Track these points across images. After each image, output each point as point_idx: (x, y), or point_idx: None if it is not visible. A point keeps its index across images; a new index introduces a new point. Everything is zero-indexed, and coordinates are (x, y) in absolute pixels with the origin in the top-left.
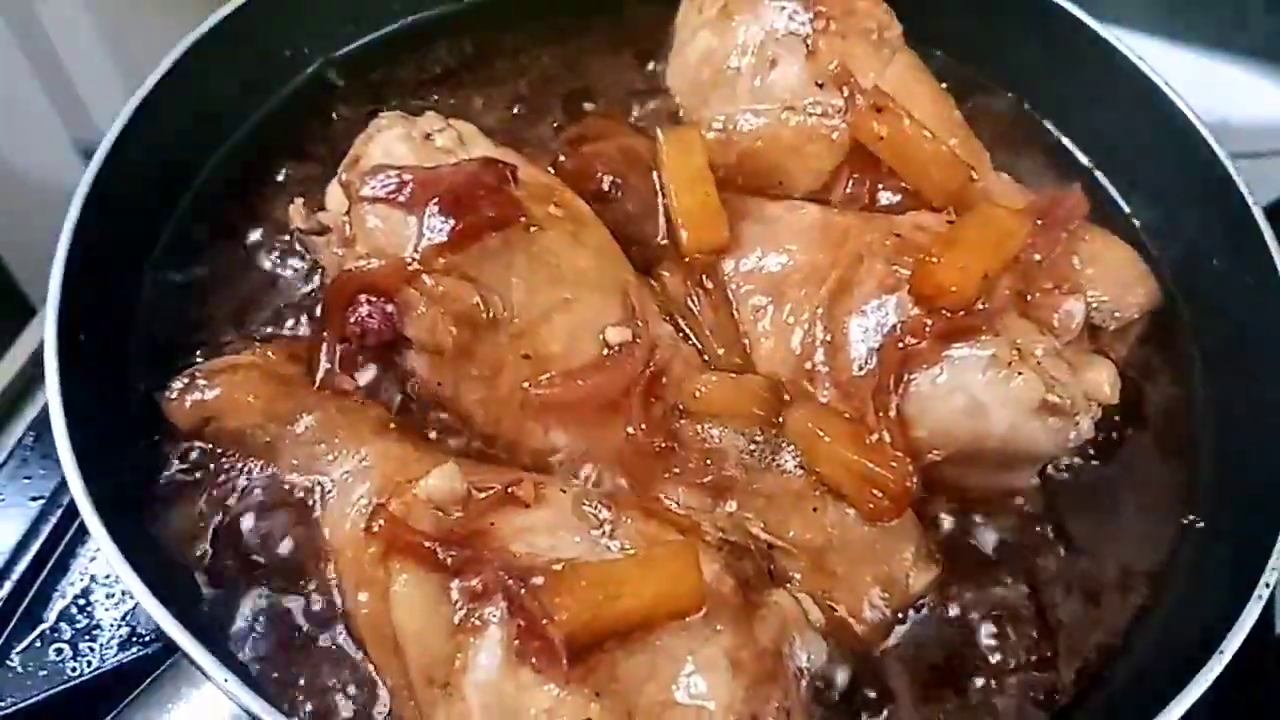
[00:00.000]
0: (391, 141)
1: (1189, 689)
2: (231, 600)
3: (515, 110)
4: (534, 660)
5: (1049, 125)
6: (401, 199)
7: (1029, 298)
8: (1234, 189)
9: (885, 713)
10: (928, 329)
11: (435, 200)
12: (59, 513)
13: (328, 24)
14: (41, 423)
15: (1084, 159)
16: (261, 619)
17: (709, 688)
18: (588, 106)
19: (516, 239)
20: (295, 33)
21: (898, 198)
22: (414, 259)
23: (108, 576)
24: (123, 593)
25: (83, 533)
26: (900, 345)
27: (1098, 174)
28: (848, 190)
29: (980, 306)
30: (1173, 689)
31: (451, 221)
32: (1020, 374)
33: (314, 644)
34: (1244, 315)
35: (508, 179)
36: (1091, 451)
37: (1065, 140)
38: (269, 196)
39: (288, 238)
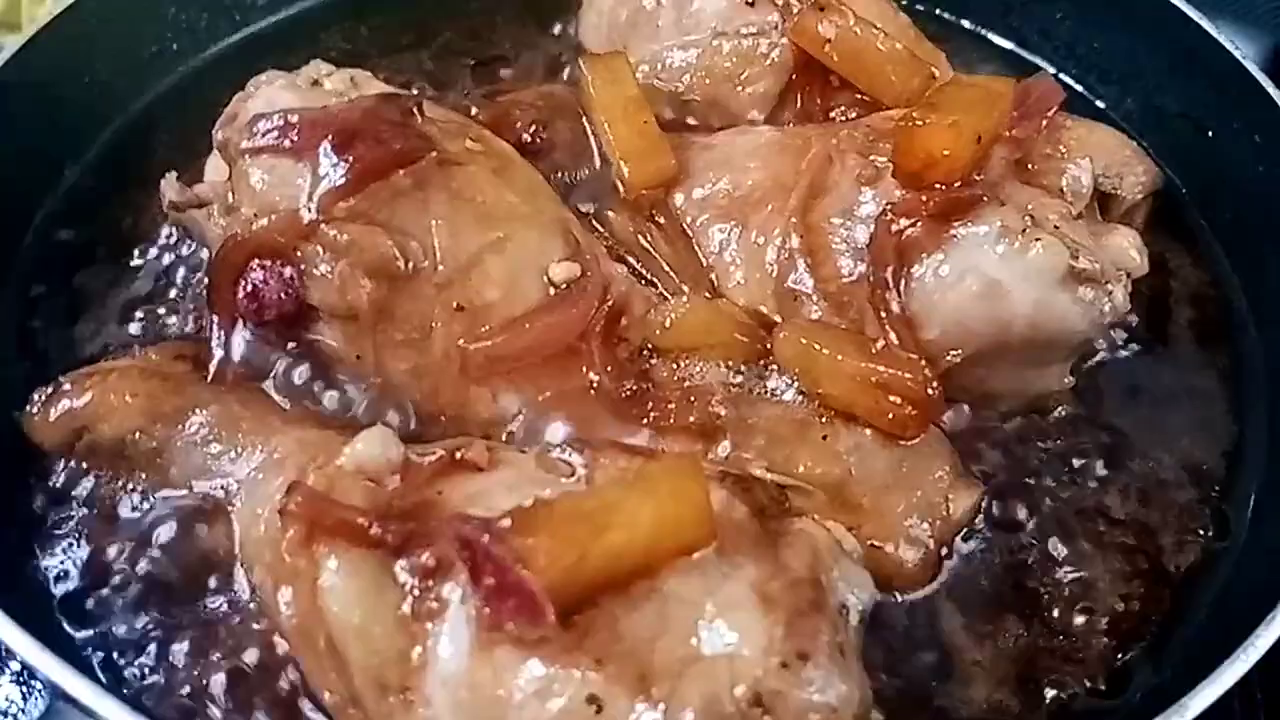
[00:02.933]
0: (274, 92)
1: None
2: (139, 643)
3: (420, 84)
4: (512, 624)
5: (993, 37)
6: (288, 143)
7: (1029, 167)
8: (1221, 51)
9: (949, 657)
10: (924, 207)
11: (328, 139)
12: None
13: (194, 19)
14: None
15: (1046, 65)
16: (175, 657)
17: (738, 631)
18: (504, 74)
19: (430, 176)
20: (158, 27)
21: (854, 113)
22: (310, 209)
23: None
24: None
25: None
26: (893, 232)
27: (1061, 76)
28: (797, 111)
29: (977, 178)
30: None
31: (349, 160)
32: (1038, 240)
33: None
34: (1258, 178)
35: (412, 112)
36: (1122, 344)
37: (1017, 49)
38: (144, 194)
39: (165, 235)
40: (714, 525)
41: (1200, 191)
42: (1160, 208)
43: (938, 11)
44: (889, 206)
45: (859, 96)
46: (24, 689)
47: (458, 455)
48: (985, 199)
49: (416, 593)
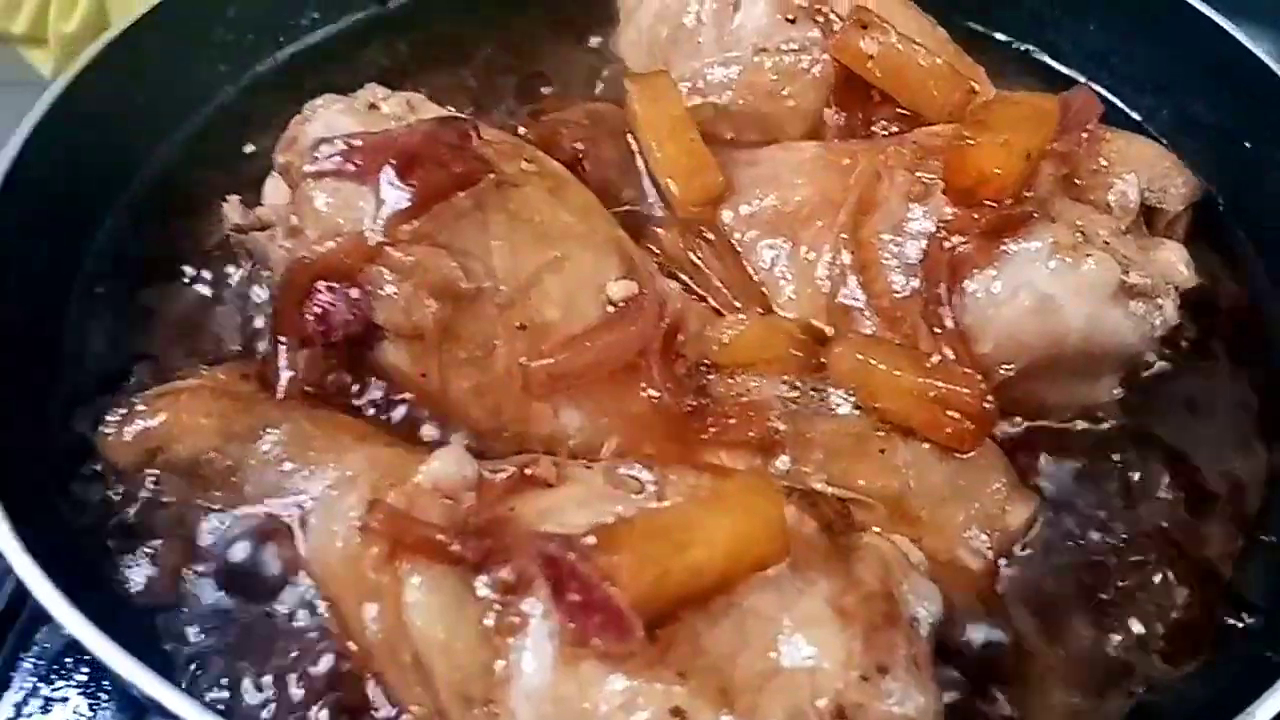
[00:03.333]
0: (333, 116)
1: None
2: (211, 658)
3: (463, 102)
4: (599, 639)
5: (1027, 48)
6: (352, 167)
7: (1076, 181)
8: (1256, 61)
9: (1010, 666)
10: (976, 224)
11: (391, 163)
12: None
13: (240, 40)
14: None
15: (1079, 76)
16: (250, 675)
17: (817, 645)
18: (545, 91)
19: (489, 197)
20: (205, 49)
21: (895, 127)
22: (375, 232)
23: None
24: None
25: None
26: (946, 249)
27: (1095, 87)
28: (840, 127)
29: (1027, 194)
30: None
31: (412, 184)
32: (1090, 256)
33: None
34: None
35: (469, 135)
36: (1165, 357)
37: (1049, 60)
38: (197, 217)
39: (220, 256)
40: (788, 541)
41: (1236, 202)
42: (1196, 219)
43: (970, 24)
44: (941, 224)
45: (900, 111)
46: (91, 701)
47: (527, 472)
48: (1036, 215)
49: (497, 608)
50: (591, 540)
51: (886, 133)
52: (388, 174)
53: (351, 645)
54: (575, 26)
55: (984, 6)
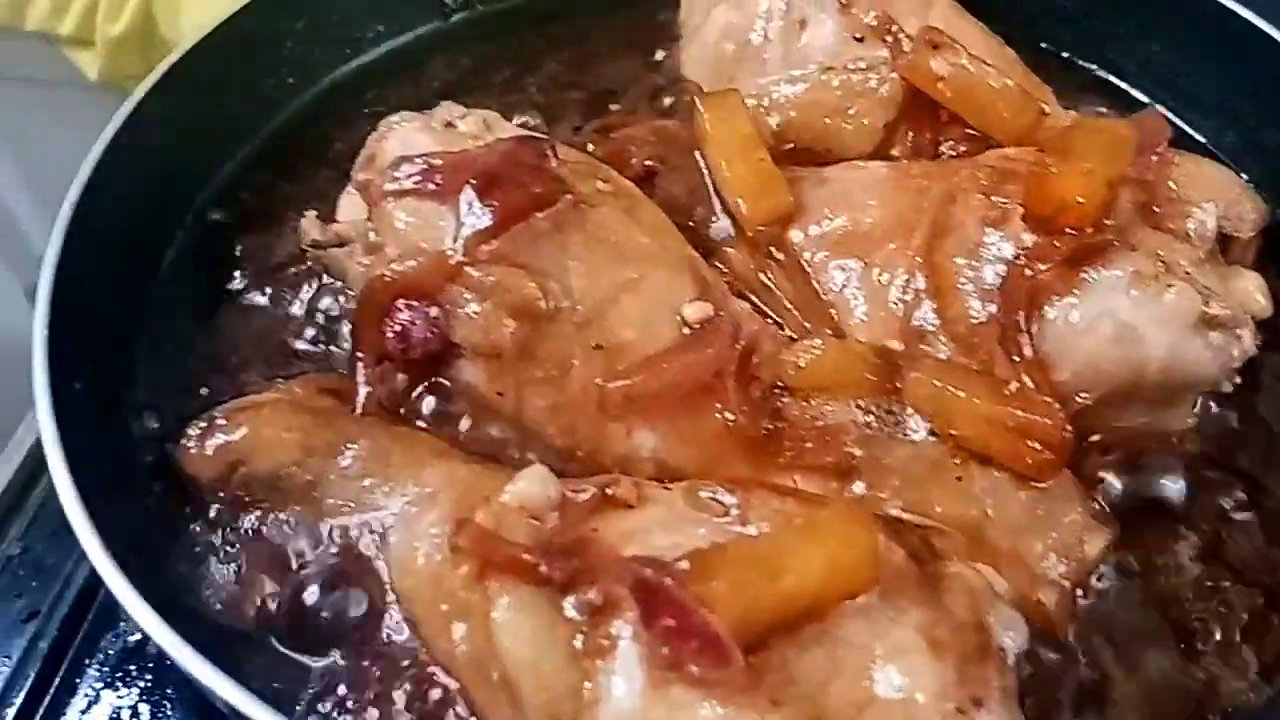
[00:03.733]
0: (410, 134)
1: None
2: (296, 675)
3: (528, 117)
4: (695, 665)
5: (1092, 66)
6: (432, 187)
7: (1155, 209)
8: None
9: (1090, 695)
10: (1056, 252)
11: (470, 183)
12: (57, 630)
13: (307, 54)
14: (30, 532)
15: (1141, 96)
16: (334, 691)
17: (910, 676)
18: (611, 108)
19: (567, 217)
20: (271, 66)
21: (963, 147)
22: (455, 251)
23: (124, 686)
24: (142, 706)
25: (89, 647)
26: (1027, 275)
27: (1159, 108)
28: (906, 146)
29: (1107, 223)
30: None
31: (492, 204)
32: (1171, 286)
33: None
34: None
35: (547, 154)
36: (1239, 384)
37: (1113, 79)
38: (268, 229)
39: (293, 269)
40: (879, 570)
41: None
42: (1264, 245)
43: (1036, 41)
44: (1021, 251)
45: (968, 131)
46: (153, 707)
47: (608, 492)
48: (1116, 244)
49: (585, 629)
50: (685, 565)
51: (954, 153)
52: (468, 194)
53: (436, 662)
54: (637, 41)
55: (1050, 25)
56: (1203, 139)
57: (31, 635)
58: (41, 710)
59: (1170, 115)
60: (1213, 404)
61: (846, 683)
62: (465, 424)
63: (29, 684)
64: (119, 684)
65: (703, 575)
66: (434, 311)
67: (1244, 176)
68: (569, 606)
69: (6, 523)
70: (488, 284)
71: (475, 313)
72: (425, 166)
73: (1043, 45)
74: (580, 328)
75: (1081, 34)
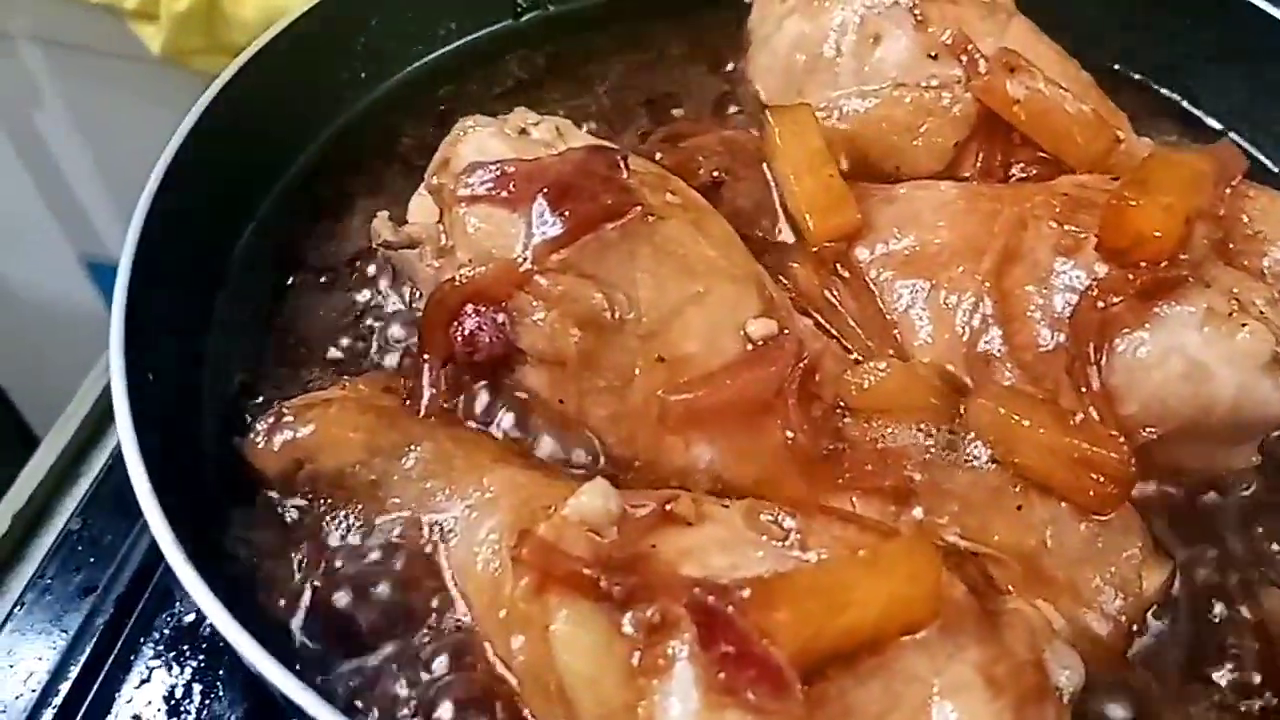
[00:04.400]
0: (484, 139)
1: None
2: (359, 670)
3: (596, 120)
4: (752, 694)
5: (1166, 91)
6: (505, 194)
7: (1230, 245)
8: None
9: None
10: (1130, 285)
11: (543, 192)
12: (114, 606)
13: (381, 48)
14: (89, 507)
15: (1215, 123)
16: (390, 686)
17: (967, 713)
18: (675, 113)
19: (636, 229)
20: (348, 57)
21: (1034, 170)
22: (525, 259)
23: (178, 666)
24: (194, 685)
25: (146, 624)
26: (1099, 307)
27: (1232, 135)
28: (976, 167)
29: (1182, 257)
30: None
31: (563, 213)
32: (1245, 325)
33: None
34: None
35: (619, 165)
36: None
37: (1188, 105)
38: (337, 223)
39: (360, 265)
40: (940, 605)
41: None
42: None
43: (1111, 65)
44: (1094, 282)
45: (1040, 155)
46: (206, 686)
47: (667, 508)
48: (1190, 280)
49: (642, 647)
50: (747, 593)
51: (1025, 175)
52: (540, 203)
53: (492, 663)
54: (707, 48)
55: (1127, 48)
56: (1277, 170)
57: (89, 611)
58: (96, 686)
59: (1245, 145)
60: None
61: (903, 717)
62: (527, 430)
63: (84, 659)
64: (173, 663)
65: (765, 604)
66: (501, 318)
67: None
68: (627, 623)
69: (63, 493)
70: (555, 293)
71: (541, 320)
72: (499, 173)
73: (1116, 67)
74: (644, 339)
75: (1159, 59)
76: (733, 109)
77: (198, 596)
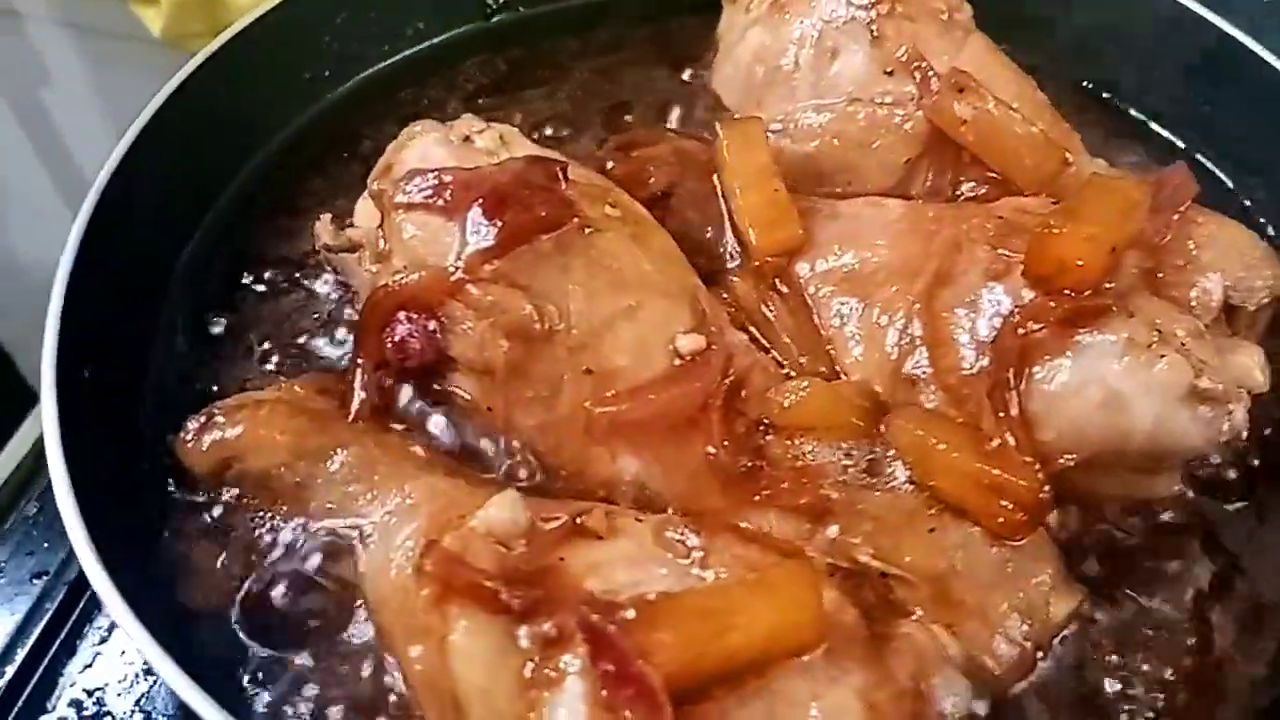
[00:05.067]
0: (428, 146)
1: None
2: (267, 669)
3: (555, 125)
4: (627, 714)
5: (1134, 111)
6: (441, 202)
7: (1159, 276)
8: None
9: None
10: (1051, 312)
11: (479, 202)
12: (64, 591)
13: (346, 47)
14: (46, 493)
15: (1179, 142)
16: (301, 688)
17: None
18: (633, 119)
19: (572, 241)
20: (313, 55)
21: (983, 189)
22: (457, 268)
23: (123, 653)
24: (139, 674)
25: (90, 611)
26: (1020, 333)
27: (1198, 156)
28: (927, 184)
29: (1107, 286)
30: None
31: (498, 224)
32: (1163, 357)
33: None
34: None
35: (558, 177)
36: (1235, 453)
37: (1155, 126)
38: (292, 222)
39: (312, 264)
40: (826, 630)
41: None
42: None
43: (1081, 82)
44: (1018, 307)
45: (990, 174)
46: (150, 674)
47: (579, 521)
48: (1114, 309)
49: (536, 659)
50: (631, 614)
51: (974, 194)
52: (475, 212)
53: (397, 672)
54: (675, 56)
55: (1096, 66)
56: (1234, 188)
57: (38, 595)
58: (41, 669)
59: (1210, 166)
60: (1202, 474)
61: None
62: (458, 437)
63: (31, 642)
64: (118, 651)
65: (649, 624)
66: (432, 325)
67: (1272, 233)
68: (523, 636)
69: (31, 482)
70: (485, 302)
71: (470, 329)
72: (437, 182)
73: (1085, 84)
74: (573, 351)
75: (1127, 78)
76: (696, 113)
77: (100, 589)
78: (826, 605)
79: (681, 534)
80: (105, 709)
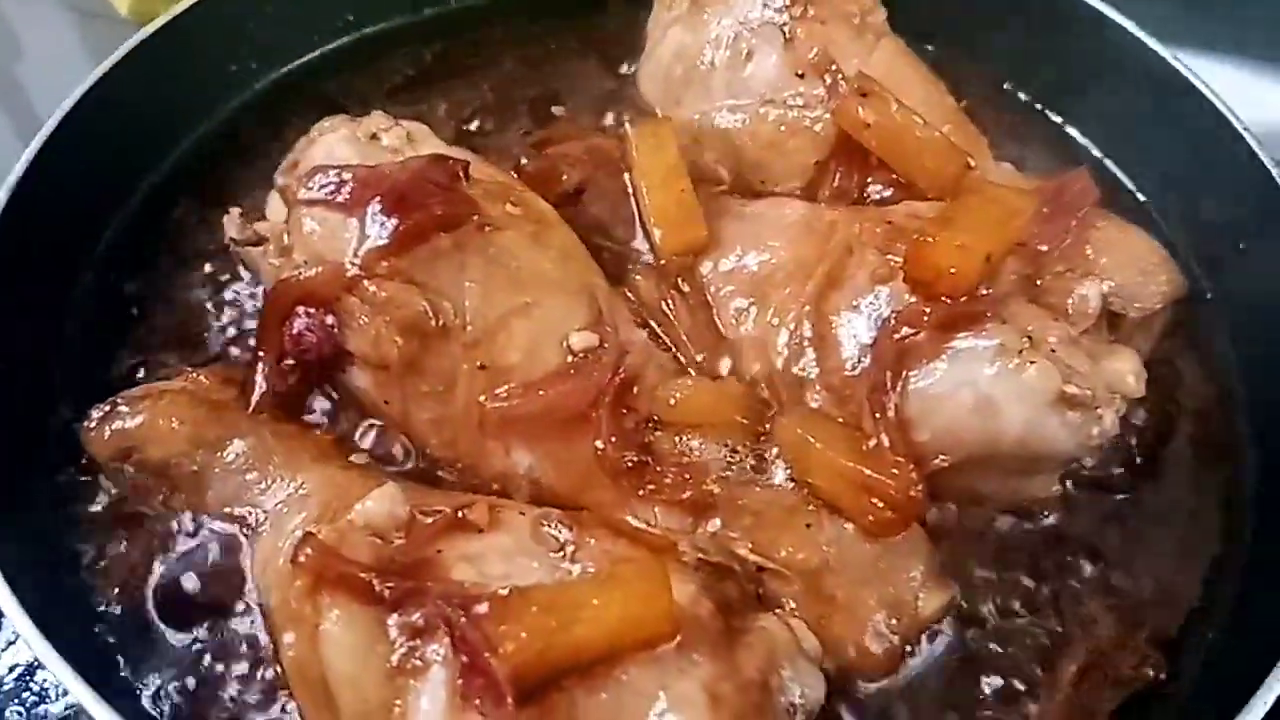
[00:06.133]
0: (334, 143)
1: None
2: (154, 652)
3: (480, 117)
4: (478, 702)
5: (1051, 115)
6: (341, 199)
7: (1038, 283)
8: (1264, 169)
9: None
10: (926, 318)
11: (377, 199)
12: None
13: (275, 37)
14: None
15: (1094, 149)
16: (186, 673)
17: None
18: (556, 111)
19: (470, 240)
20: (240, 45)
21: (889, 191)
22: (354, 264)
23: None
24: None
25: None
26: (896, 338)
27: (1107, 162)
28: (835, 185)
29: (984, 292)
30: None
31: (395, 221)
32: (1033, 363)
33: (242, 697)
34: None
35: (458, 176)
36: (1121, 456)
37: (1071, 129)
38: (212, 213)
39: (227, 257)
40: (677, 624)
41: (1224, 304)
42: (1184, 314)
43: (1002, 83)
44: (895, 312)
45: (895, 177)
46: None
47: (460, 515)
48: (988, 315)
49: (404, 649)
50: (484, 608)
51: (880, 197)
52: (374, 210)
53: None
54: (603, 51)
55: (1015, 67)
56: (1143, 198)
57: None
58: None
59: (1117, 172)
60: (1085, 475)
61: None
62: (352, 428)
63: None
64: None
65: (500, 618)
66: (329, 319)
67: (1175, 243)
68: (393, 627)
69: None
70: (380, 299)
71: (366, 325)
72: (338, 179)
73: (1006, 86)
74: (468, 347)
75: (1046, 79)
76: (621, 109)
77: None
78: (682, 600)
79: (556, 528)
80: None
